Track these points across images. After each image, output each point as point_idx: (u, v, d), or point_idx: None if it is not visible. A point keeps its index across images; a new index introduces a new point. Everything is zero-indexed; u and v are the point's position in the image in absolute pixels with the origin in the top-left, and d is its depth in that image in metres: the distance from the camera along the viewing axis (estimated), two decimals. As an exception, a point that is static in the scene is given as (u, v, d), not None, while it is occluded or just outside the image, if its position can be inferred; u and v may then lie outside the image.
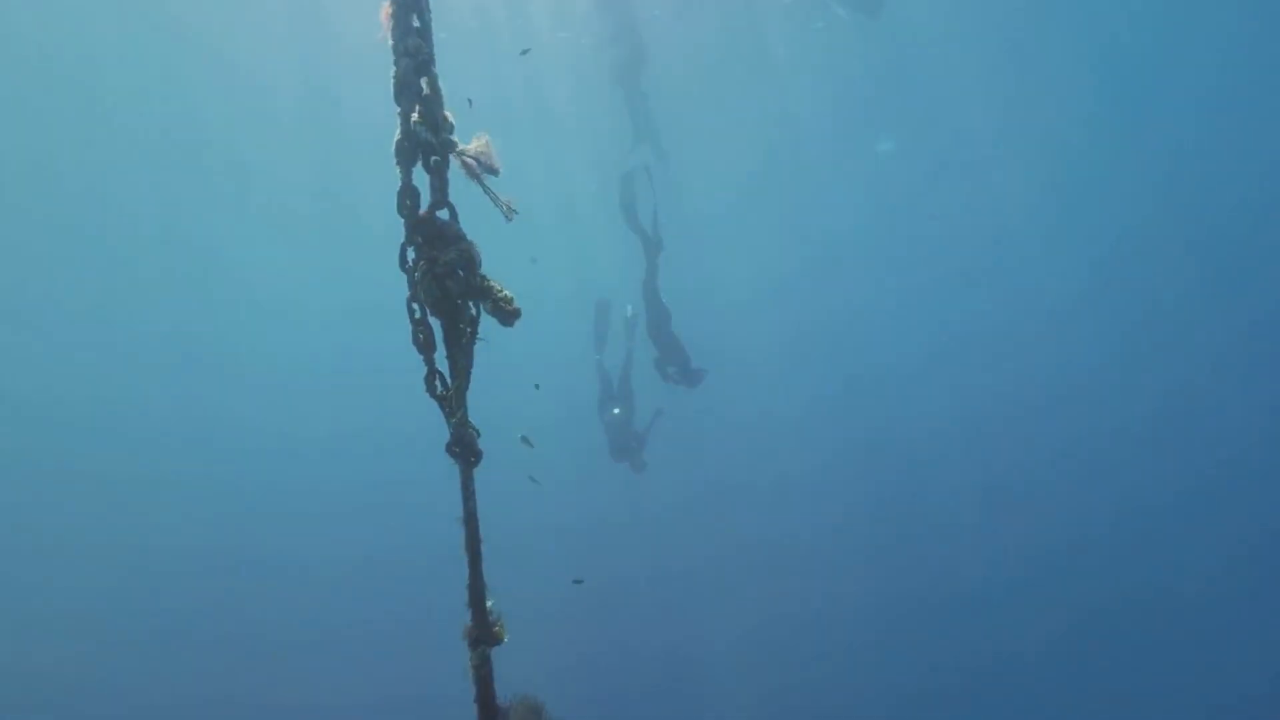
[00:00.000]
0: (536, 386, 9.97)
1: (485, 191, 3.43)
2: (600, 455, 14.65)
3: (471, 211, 3.23)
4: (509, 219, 3.51)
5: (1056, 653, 22.89)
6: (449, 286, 2.87)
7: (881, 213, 30.84)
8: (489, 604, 2.98)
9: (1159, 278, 29.80)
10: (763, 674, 23.49)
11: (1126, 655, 22.49)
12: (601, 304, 15.82)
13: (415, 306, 3.01)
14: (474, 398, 3.01)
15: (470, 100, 4.06)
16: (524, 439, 10.23)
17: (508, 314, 2.91)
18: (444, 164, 3.09)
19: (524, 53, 10.69)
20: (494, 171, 3.39)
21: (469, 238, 3.01)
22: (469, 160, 3.30)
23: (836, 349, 32.93)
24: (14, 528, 25.04)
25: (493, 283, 2.94)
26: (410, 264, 3.00)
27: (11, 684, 20.95)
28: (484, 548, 2.91)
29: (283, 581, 25.18)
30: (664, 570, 26.83)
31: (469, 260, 2.91)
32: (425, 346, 3.02)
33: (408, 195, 3.01)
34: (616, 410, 14.15)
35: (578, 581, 10.03)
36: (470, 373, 3.10)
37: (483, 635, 2.86)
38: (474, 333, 3.10)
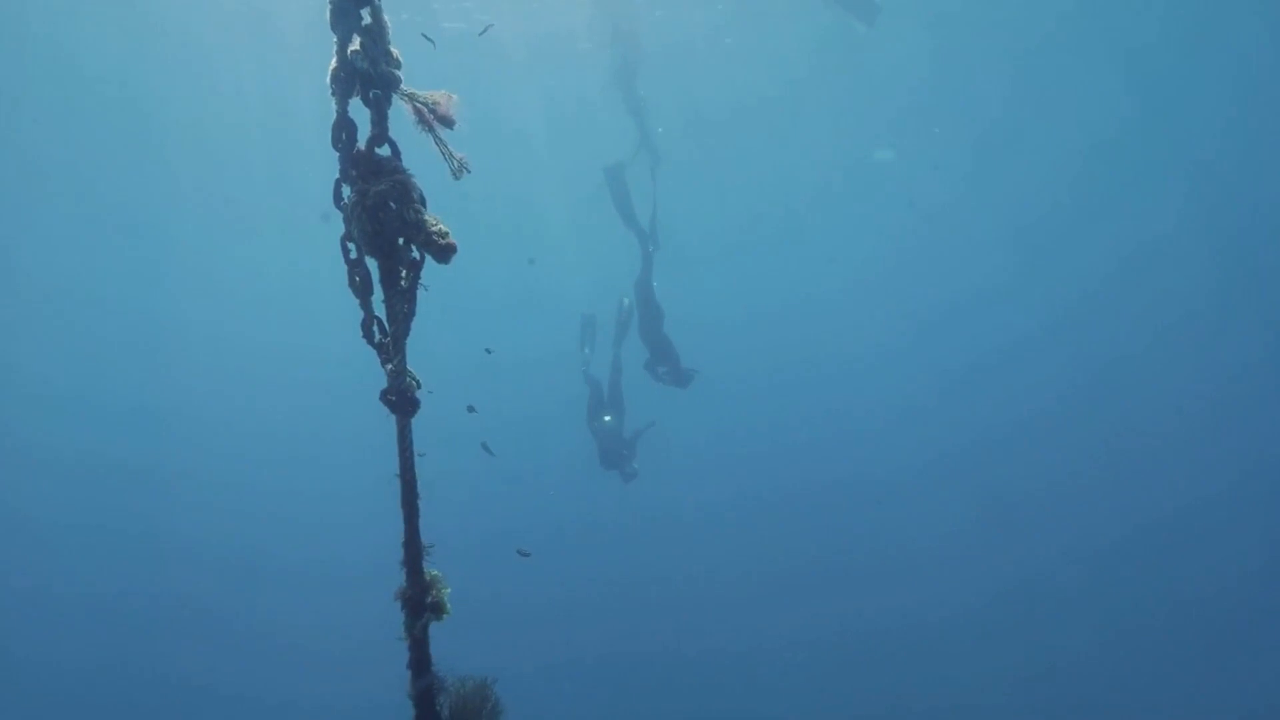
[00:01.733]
0: (488, 350, 9.92)
1: (436, 143, 3.25)
2: (590, 465, 14.38)
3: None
4: (458, 176, 3.32)
5: (1096, 662, 22.46)
6: (381, 219, 2.68)
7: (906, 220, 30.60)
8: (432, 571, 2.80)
9: (1188, 282, 29.50)
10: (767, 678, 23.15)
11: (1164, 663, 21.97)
12: (588, 317, 15.52)
13: (350, 246, 2.83)
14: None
15: (431, 39, 3.87)
16: (484, 446, 10.40)
17: (441, 249, 2.72)
18: (384, 99, 2.90)
19: (483, 31, 10.63)
20: (449, 123, 3.20)
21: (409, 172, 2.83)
22: (419, 106, 3.13)
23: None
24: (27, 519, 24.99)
25: (428, 216, 2.76)
26: (345, 201, 2.82)
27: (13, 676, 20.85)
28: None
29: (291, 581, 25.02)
30: (669, 574, 26.55)
31: (403, 192, 2.72)
32: (361, 289, 2.84)
33: (343, 128, 2.84)
34: (607, 418, 13.90)
35: (523, 553, 9.83)
36: (411, 321, 2.91)
37: (417, 597, 2.66)
38: (416, 277, 2.92)
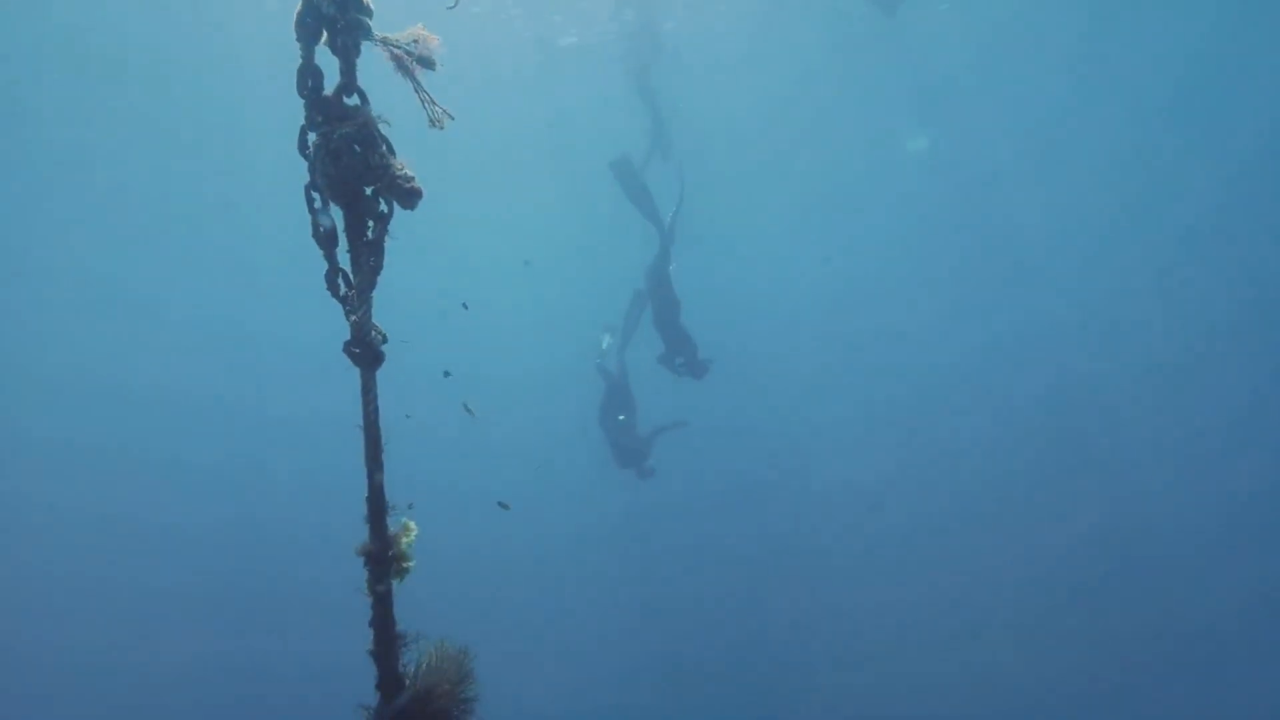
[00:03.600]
0: (446, 374, 9.92)
1: (416, 90, 3.15)
2: (605, 464, 14.23)
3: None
4: (440, 126, 3.23)
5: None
6: (345, 164, 2.61)
7: (928, 215, 30.29)
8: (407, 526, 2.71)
9: (1226, 284, 28.99)
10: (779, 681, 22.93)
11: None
12: (640, 293, 15.13)
13: (315, 195, 2.76)
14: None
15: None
16: (465, 407, 10.51)
17: (405, 193, 2.64)
18: (351, 47, 2.83)
19: (451, 6, 10.55)
20: (429, 65, 3.09)
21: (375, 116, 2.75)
22: (396, 50, 3.03)
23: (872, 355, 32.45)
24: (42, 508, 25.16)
25: (395, 161, 2.67)
26: (310, 149, 2.74)
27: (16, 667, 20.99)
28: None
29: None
30: (684, 577, 26.42)
31: (367, 136, 2.64)
32: (326, 240, 2.76)
33: (309, 75, 2.76)
34: (622, 417, 13.73)
35: (503, 506, 9.75)
36: (377, 274, 2.83)
37: (381, 553, 2.58)
38: (383, 230, 2.84)
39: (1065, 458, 28.10)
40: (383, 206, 2.84)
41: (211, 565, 24.95)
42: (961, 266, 31.36)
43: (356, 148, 2.62)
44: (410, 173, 2.66)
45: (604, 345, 14.37)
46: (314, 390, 24.42)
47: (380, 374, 2.76)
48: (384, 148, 2.69)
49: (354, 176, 2.64)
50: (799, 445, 30.98)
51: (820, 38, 21.89)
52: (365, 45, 2.96)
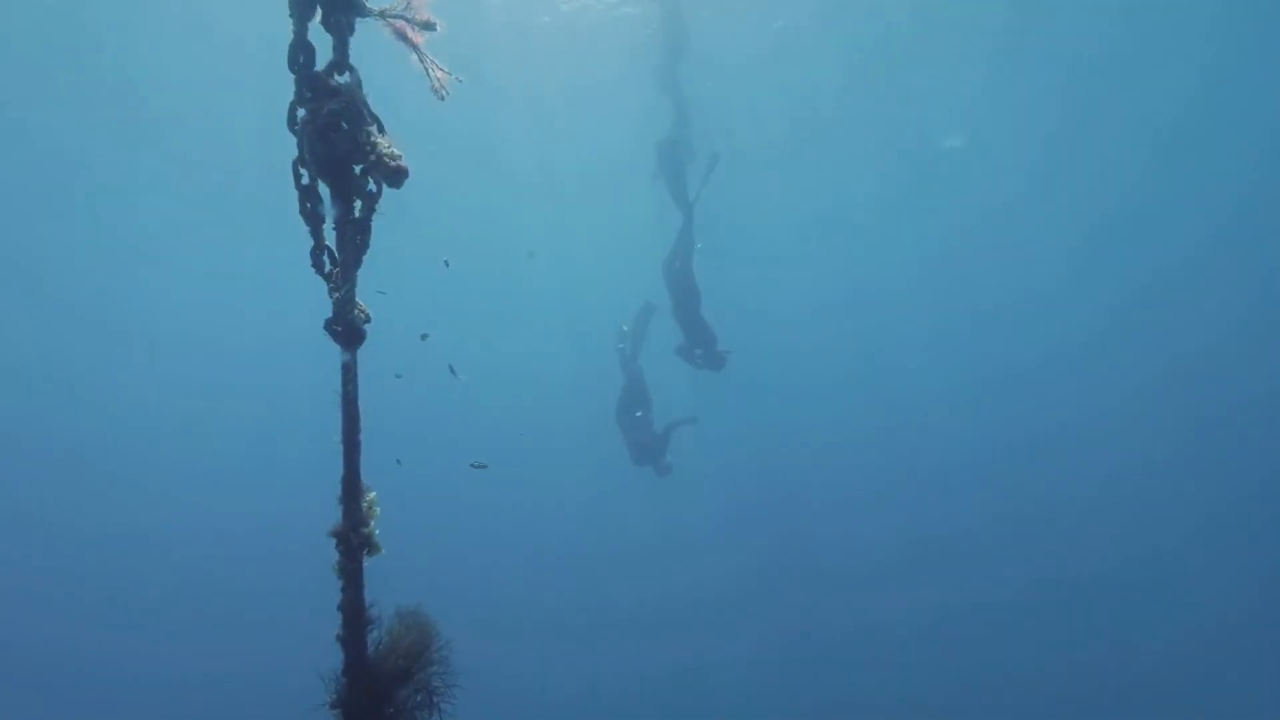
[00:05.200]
0: (398, 376, 9.86)
1: (420, 59, 3.08)
2: (623, 463, 14.15)
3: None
4: (441, 97, 3.19)
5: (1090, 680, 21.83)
6: (332, 140, 2.59)
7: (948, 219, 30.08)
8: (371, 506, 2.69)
9: (1210, 304, 28.64)
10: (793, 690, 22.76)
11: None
12: (647, 306, 15.20)
13: (303, 172, 2.74)
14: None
15: None
16: (451, 370, 10.76)
17: (391, 171, 2.61)
18: (344, 25, 2.80)
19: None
20: (431, 27, 3.01)
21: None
22: (394, 21, 2.98)
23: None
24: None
25: (381, 138, 2.65)
26: (298, 125, 2.73)
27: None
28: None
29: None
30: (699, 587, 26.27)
31: (356, 112, 2.62)
32: (312, 217, 2.74)
33: (300, 51, 2.74)
34: (639, 414, 13.67)
35: (478, 466, 9.61)
36: (363, 253, 2.81)
37: (353, 532, 2.55)
38: (370, 209, 2.82)
39: (1082, 467, 27.84)
40: (371, 185, 2.84)
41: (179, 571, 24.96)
42: (981, 274, 31.13)
43: (344, 124, 2.59)
44: (397, 151, 2.63)
45: (625, 329, 14.31)
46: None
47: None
48: (372, 125, 2.66)
49: (341, 154, 2.61)
50: (816, 452, 30.83)
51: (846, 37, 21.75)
52: (360, 24, 2.96)
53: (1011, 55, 23.36)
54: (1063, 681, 21.32)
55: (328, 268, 2.74)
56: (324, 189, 2.87)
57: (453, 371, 10.87)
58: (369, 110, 2.73)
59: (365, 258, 2.82)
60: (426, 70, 3.01)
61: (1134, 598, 23.54)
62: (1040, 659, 21.79)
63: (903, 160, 27.58)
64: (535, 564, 26.86)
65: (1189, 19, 21.77)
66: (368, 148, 2.61)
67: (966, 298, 31.28)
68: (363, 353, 2.75)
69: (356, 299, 2.73)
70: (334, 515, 2.62)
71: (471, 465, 9.43)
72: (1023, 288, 30.60)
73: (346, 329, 2.65)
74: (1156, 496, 26.22)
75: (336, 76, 2.80)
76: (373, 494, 2.68)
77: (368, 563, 2.55)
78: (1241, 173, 26.88)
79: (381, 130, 2.90)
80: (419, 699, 2.58)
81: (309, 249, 2.75)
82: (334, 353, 2.73)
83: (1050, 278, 30.10)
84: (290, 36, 2.73)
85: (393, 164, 2.59)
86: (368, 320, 2.74)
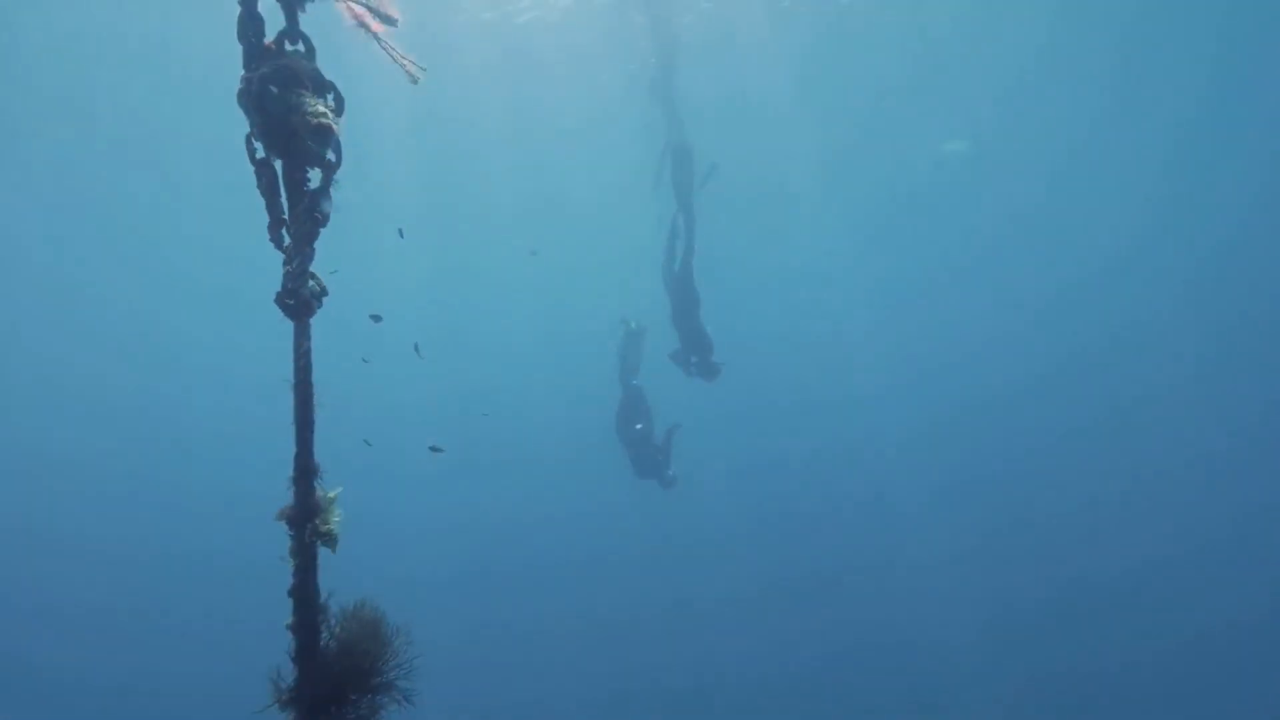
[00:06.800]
0: (365, 360, 10.14)
1: (381, 46, 3.04)
2: (625, 476, 13.88)
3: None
4: (415, 81, 3.12)
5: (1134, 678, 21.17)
6: (267, 108, 2.48)
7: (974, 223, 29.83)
8: (331, 495, 2.54)
9: (1248, 298, 28.04)
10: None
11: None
12: (632, 332, 15.01)
13: (256, 146, 2.64)
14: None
15: None
16: (415, 348, 11.03)
17: (312, 129, 2.48)
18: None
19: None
20: (391, 22, 3.00)
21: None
22: (355, 7, 2.93)
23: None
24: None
25: (310, 98, 2.53)
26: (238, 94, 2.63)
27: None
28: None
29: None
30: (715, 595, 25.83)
31: (287, 75, 2.51)
32: (268, 190, 2.64)
33: (250, 21, 2.65)
34: (639, 425, 13.39)
35: (436, 449, 9.60)
36: (320, 226, 2.69)
37: (305, 515, 2.40)
38: (328, 179, 2.71)
39: (1102, 472, 27.26)
40: (330, 155, 2.74)
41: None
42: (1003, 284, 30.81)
43: (273, 89, 2.49)
44: (321, 109, 2.51)
45: (631, 325, 14.11)
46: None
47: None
48: (307, 90, 2.55)
49: (280, 121, 2.51)
50: (836, 466, 30.43)
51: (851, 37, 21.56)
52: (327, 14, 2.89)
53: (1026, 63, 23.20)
54: (1093, 682, 20.70)
55: (286, 241, 2.63)
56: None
57: (417, 351, 11.28)
58: (319, 78, 2.63)
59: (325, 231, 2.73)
60: (393, 59, 2.96)
61: (1147, 601, 23.04)
62: (1068, 662, 21.24)
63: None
64: (534, 571, 26.68)
65: (1198, 22, 21.55)
66: (295, 110, 2.50)
67: (993, 301, 30.93)
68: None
69: (312, 273, 2.62)
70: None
71: (430, 448, 9.57)
72: (1048, 293, 30.16)
73: (297, 303, 2.53)
74: (1171, 501, 25.64)
75: (288, 45, 2.73)
76: (335, 492, 2.53)
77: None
78: (1248, 177, 26.62)
79: (340, 103, 2.81)
80: (377, 695, 2.42)
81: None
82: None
83: (1073, 281, 29.65)
84: (239, 9, 2.67)
85: (314, 122, 2.47)
86: (323, 294, 2.62)
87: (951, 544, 26.03)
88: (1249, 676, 20.00)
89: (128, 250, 25.39)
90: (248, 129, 2.65)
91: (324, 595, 2.41)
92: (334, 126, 2.48)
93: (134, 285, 26.63)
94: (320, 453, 2.59)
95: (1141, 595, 23.20)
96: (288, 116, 2.49)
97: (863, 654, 22.74)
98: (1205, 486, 25.75)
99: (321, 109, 2.49)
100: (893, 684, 21.33)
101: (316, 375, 2.57)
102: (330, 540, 2.43)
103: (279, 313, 2.71)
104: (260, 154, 2.65)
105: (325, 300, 2.63)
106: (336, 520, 2.46)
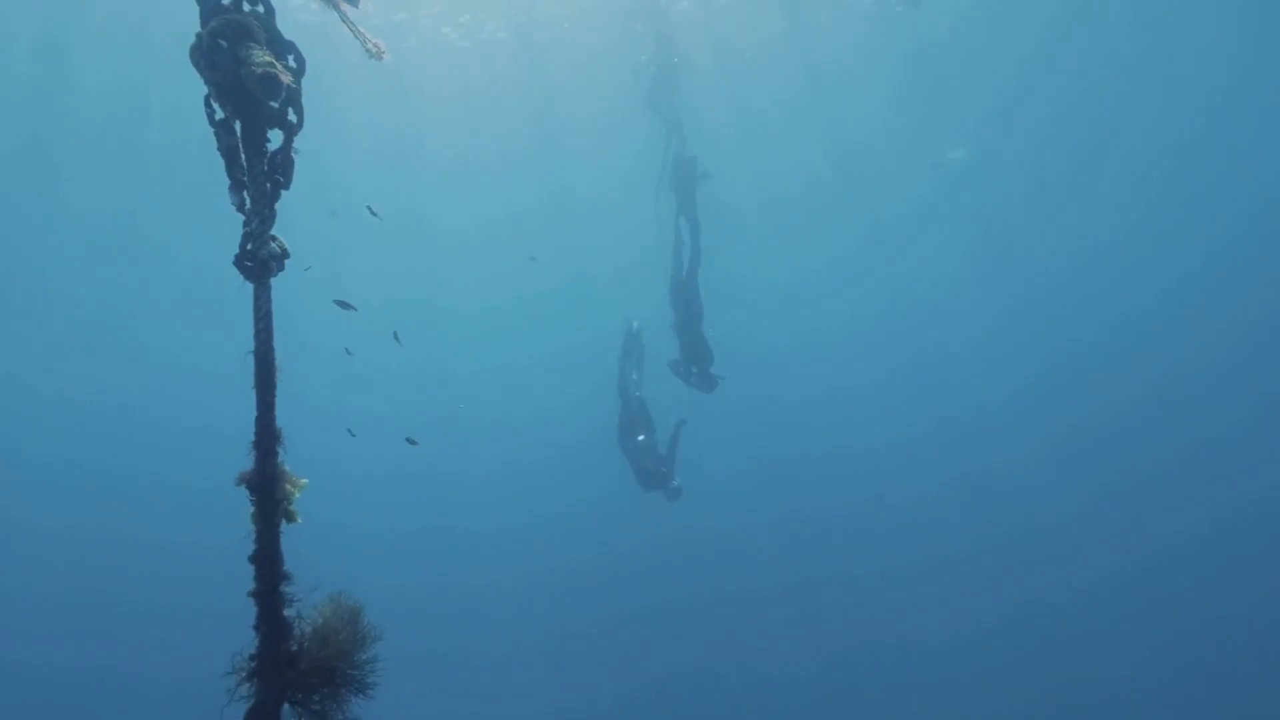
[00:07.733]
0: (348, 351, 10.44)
1: (344, 22, 3.02)
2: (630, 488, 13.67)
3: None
4: (378, 59, 3.08)
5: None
6: (218, 64, 2.42)
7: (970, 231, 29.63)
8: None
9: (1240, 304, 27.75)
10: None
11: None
12: (633, 333, 14.85)
13: (215, 107, 2.58)
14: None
15: None
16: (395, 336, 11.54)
17: (257, 79, 2.41)
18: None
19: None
20: (353, 1, 3.00)
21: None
22: (323, -16, 2.90)
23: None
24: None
25: (258, 50, 2.46)
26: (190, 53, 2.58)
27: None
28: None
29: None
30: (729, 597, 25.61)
31: (237, 28, 2.45)
32: (228, 153, 2.57)
33: (207, -17, 2.60)
34: (641, 437, 13.17)
35: (411, 441, 9.70)
36: (287, 186, 2.63)
37: (264, 480, 2.33)
38: (289, 140, 2.65)
39: (1096, 479, 26.81)
40: (291, 116, 2.68)
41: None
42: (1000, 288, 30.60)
43: (223, 42, 2.43)
44: (267, 59, 2.43)
45: (635, 326, 14.02)
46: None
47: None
48: (255, 42, 2.48)
49: (232, 76, 2.44)
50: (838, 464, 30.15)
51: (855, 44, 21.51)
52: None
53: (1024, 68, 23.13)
54: (1095, 689, 20.34)
55: (248, 204, 2.57)
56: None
57: (396, 339, 11.71)
58: (277, 37, 2.58)
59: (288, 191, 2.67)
60: (354, 34, 2.94)
61: (1149, 608, 22.75)
62: (1071, 669, 20.92)
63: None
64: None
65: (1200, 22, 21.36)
66: (243, 62, 2.43)
67: (991, 308, 30.63)
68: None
69: (273, 235, 2.55)
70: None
71: (407, 440, 9.81)
72: (1034, 299, 30.01)
73: (257, 264, 2.46)
74: (1163, 507, 25.19)
75: (247, 6, 2.68)
76: (304, 481, 2.46)
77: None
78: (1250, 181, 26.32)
79: (301, 63, 2.75)
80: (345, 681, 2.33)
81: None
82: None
83: (1053, 291, 29.54)
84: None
85: (259, 71, 2.39)
86: (285, 255, 2.55)
87: (952, 548, 25.66)
88: (1247, 684, 19.63)
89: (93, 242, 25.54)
90: (205, 91, 2.61)
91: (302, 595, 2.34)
92: (281, 76, 2.41)
93: (94, 276, 26.71)
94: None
95: (1144, 602, 22.86)
96: (237, 71, 2.43)
97: (863, 659, 22.50)
98: (1206, 489, 25.35)
99: (268, 58, 2.42)
100: (893, 689, 21.11)
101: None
102: (288, 513, 2.36)
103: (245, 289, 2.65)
104: (219, 115, 2.60)
105: (286, 263, 2.57)
106: (298, 490, 2.38)
